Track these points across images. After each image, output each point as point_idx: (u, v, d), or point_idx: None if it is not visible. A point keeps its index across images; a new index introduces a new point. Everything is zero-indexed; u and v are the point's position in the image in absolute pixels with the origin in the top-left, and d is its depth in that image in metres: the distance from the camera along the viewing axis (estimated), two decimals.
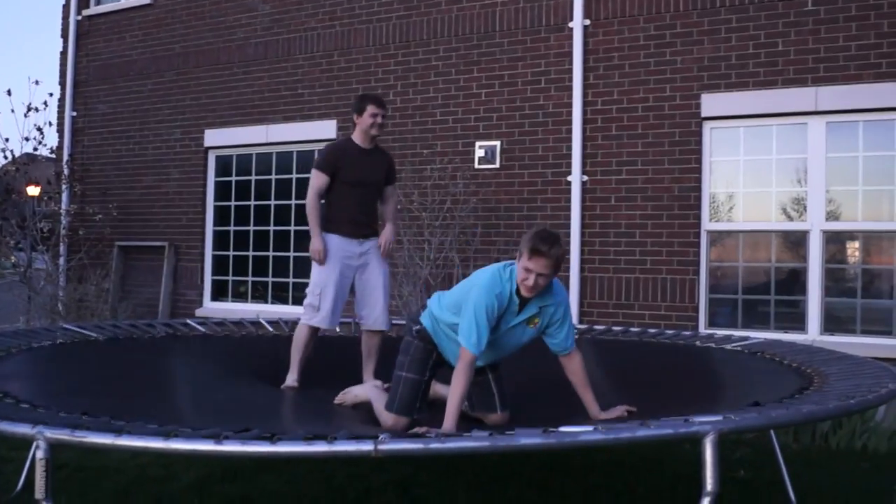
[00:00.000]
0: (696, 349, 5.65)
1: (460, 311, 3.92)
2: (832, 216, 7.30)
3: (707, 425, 2.68)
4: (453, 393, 3.77)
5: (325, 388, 4.90)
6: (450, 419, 3.70)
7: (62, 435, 2.71)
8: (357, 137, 5.44)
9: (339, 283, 5.32)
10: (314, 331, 5.36)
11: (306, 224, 5.21)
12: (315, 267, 5.37)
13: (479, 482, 4.83)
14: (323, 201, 5.40)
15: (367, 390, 4.61)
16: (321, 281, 5.32)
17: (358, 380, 5.10)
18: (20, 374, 4.33)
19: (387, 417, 4.14)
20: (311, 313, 5.33)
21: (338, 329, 5.76)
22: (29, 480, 4.55)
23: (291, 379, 5.21)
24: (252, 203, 10.22)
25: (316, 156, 9.49)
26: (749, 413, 3.02)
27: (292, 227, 9.85)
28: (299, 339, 5.33)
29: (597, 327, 6.54)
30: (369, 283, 5.42)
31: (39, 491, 2.66)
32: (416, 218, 8.42)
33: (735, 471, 5.11)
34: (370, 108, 5.36)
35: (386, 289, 5.46)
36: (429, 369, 4.19)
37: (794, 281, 7.48)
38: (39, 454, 2.68)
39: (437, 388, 4.37)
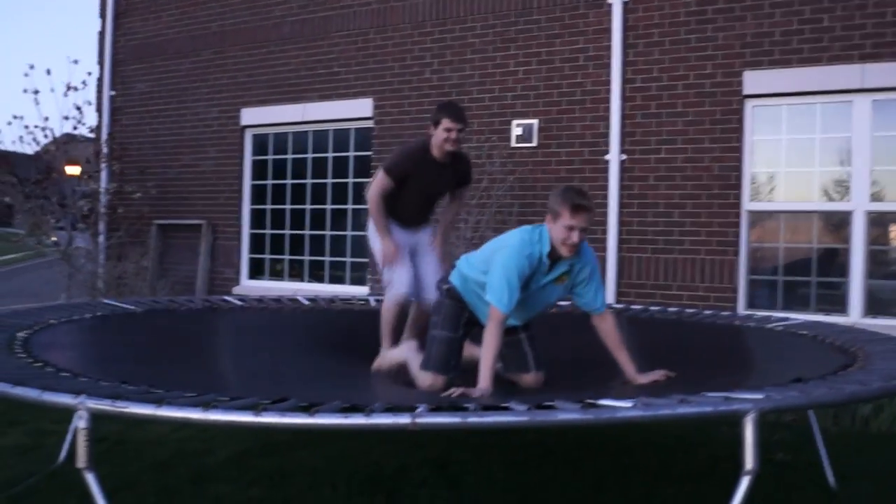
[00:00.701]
0: (735, 328, 5.57)
1: (489, 270, 3.96)
2: (877, 197, 7.17)
3: (748, 403, 2.64)
4: (486, 351, 3.81)
5: (362, 359, 4.90)
6: (485, 378, 3.73)
7: (103, 405, 2.73)
8: (433, 148, 4.99)
9: (405, 257, 5.14)
10: (400, 304, 5.09)
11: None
12: (377, 247, 5.15)
13: (514, 461, 4.83)
14: None
15: (404, 352, 4.63)
16: (396, 261, 5.11)
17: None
18: (61, 343, 4.38)
19: (423, 378, 4.15)
20: (391, 288, 5.10)
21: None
22: (71, 453, 4.64)
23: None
24: (288, 182, 10.25)
25: (353, 135, 9.62)
26: (790, 392, 2.97)
27: (328, 206, 9.87)
28: (385, 316, 5.07)
29: (634, 307, 6.48)
30: (422, 264, 5.22)
31: (81, 460, 2.69)
32: None
33: (773, 453, 5.05)
34: (444, 122, 4.86)
35: (438, 271, 5.18)
36: (461, 326, 4.21)
37: (836, 263, 7.36)
38: (81, 424, 2.70)
39: (471, 349, 4.37)
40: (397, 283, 5.08)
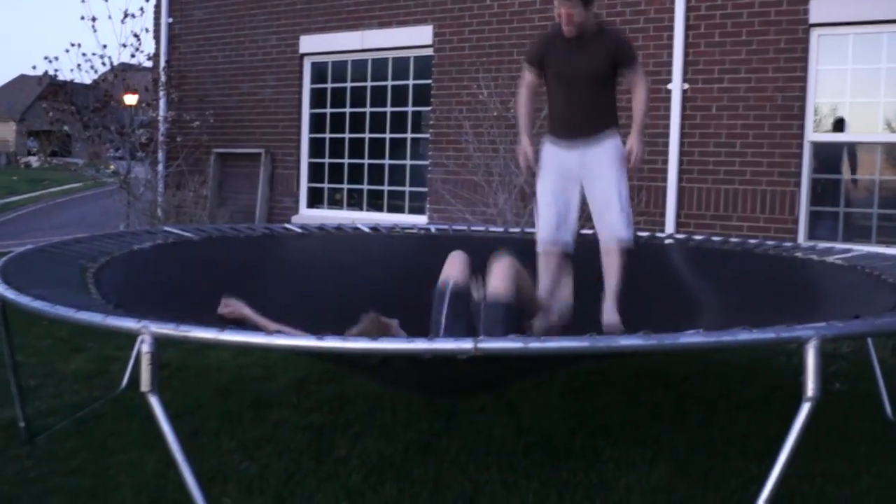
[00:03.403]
0: (795, 260, 5.50)
1: None
2: None
3: (810, 330, 2.64)
4: None
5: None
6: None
7: (167, 329, 2.73)
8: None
9: (554, 196, 4.48)
10: (549, 255, 4.51)
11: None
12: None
13: (570, 388, 4.88)
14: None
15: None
16: (538, 194, 4.57)
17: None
18: (124, 275, 4.41)
19: None
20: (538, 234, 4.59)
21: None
22: (134, 378, 4.69)
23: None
24: (347, 110, 10.26)
25: (412, 63, 9.57)
26: (852, 320, 2.96)
27: (387, 135, 9.88)
28: (539, 268, 4.51)
29: (696, 237, 6.41)
30: (594, 196, 4.50)
31: (145, 384, 2.70)
32: (511, 126, 8.34)
33: (830, 384, 5.04)
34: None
35: (616, 197, 4.40)
36: None
37: None
38: (145, 348, 2.70)
39: None
40: (539, 232, 4.52)
